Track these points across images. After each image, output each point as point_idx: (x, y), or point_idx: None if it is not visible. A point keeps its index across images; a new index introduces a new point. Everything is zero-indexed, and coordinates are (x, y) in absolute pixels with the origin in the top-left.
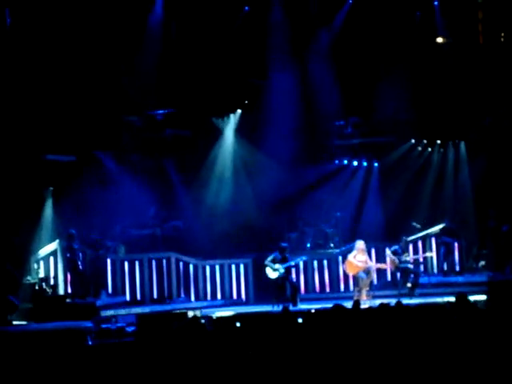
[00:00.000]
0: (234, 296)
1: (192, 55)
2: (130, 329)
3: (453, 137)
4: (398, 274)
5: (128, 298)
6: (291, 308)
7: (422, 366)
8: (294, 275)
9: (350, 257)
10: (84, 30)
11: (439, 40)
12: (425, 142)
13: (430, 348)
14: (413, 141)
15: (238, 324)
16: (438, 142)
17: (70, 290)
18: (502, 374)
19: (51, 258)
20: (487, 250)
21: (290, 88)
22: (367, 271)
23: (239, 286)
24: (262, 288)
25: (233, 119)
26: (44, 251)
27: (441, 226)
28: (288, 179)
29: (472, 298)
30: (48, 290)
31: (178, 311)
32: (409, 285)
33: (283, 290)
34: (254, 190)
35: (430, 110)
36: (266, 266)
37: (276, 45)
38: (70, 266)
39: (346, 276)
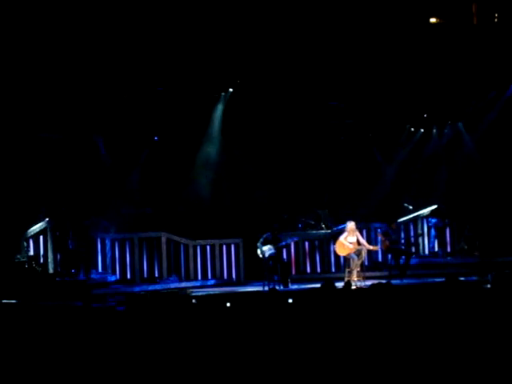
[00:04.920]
0: (225, 276)
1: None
2: (120, 308)
3: (449, 118)
4: (389, 256)
5: (118, 277)
6: (282, 288)
7: (413, 346)
8: (285, 256)
9: (341, 238)
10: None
11: (433, 20)
12: (419, 123)
13: (420, 328)
14: (408, 125)
15: (228, 304)
16: (433, 123)
17: (59, 269)
18: (493, 354)
19: (41, 237)
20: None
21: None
22: (358, 252)
23: (230, 266)
24: (253, 268)
25: (223, 99)
26: (34, 229)
27: (432, 208)
28: (280, 160)
29: None
30: (37, 268)
31: (168, 291)
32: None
33: (274, 270)
34: (245, 170)
35: (423, 91)
36: (258, 247)
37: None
38: (59, 245)
39: (337, 257)
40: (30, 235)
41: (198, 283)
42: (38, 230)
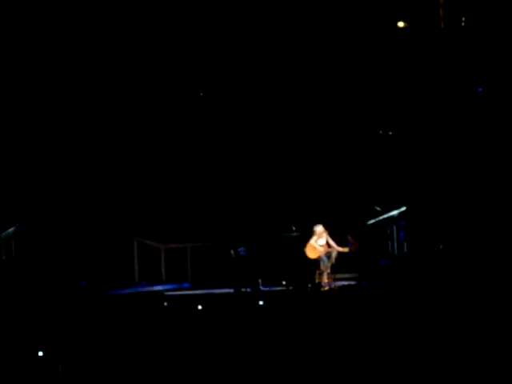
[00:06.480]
0: (197, 279)
1: None
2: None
3: (416, 120)
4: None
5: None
6: (253, 291)
7: (382, 345)
8: (256, 258)
9: (312, 241)
10: None
11: (400, 25)
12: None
13: (388, 327)
14: (378, 129)
15: (199, 307)
16: (402, 125)
17: (32, 273)
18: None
19: (12, 241)
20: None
21: None
22: (328, 255)
23: (201, 269)
24: (224, 271)
25: None
26: (6, 233)
27: (401, 210)
28: (251, 163)
29: None
30: (10, 272)
31: (140, 294)
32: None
33: (246, 273)
34: (217, 174)
35: (391, 93)
36: (230, 250)
37: None
38: (31, 249)
39: (307, 259)
40: (1, 239)
41: (170, 286)
42: (10, 233)
